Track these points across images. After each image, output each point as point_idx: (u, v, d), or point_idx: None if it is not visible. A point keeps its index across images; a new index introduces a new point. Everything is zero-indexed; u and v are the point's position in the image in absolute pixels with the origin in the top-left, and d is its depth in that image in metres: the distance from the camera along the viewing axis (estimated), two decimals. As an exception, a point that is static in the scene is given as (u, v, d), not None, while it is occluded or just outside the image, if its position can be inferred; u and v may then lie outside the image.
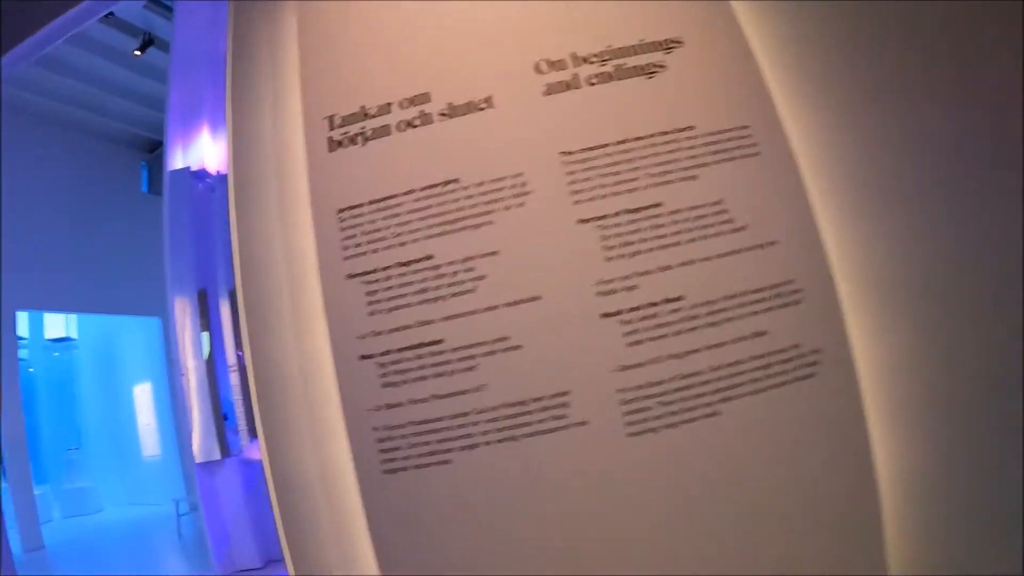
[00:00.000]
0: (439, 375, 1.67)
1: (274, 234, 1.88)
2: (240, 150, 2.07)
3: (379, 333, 1.70)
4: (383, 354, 1.69)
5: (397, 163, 1.84)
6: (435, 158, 1.83)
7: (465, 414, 1.67)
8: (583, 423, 1.67)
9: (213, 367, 5.18)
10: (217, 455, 5.05)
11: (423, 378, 1.67)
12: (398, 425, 1.66)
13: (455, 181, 1.80)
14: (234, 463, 5.18)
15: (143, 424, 10.69)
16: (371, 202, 1.80)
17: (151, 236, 9.27)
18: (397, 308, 1.71)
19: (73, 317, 11.98)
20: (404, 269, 1.73)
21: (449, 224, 1.76)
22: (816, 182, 1.91)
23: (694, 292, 1.78)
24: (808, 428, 1.67)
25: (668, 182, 1.88)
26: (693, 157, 1.91)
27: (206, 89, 5.85)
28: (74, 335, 12.11)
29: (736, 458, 1.65)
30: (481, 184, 1.80)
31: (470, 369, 1.68)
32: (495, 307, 1.71)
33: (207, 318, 5.29)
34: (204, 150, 5.76)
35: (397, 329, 1.70)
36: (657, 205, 1.85)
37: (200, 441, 5.05)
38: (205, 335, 5.25)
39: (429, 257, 1.73)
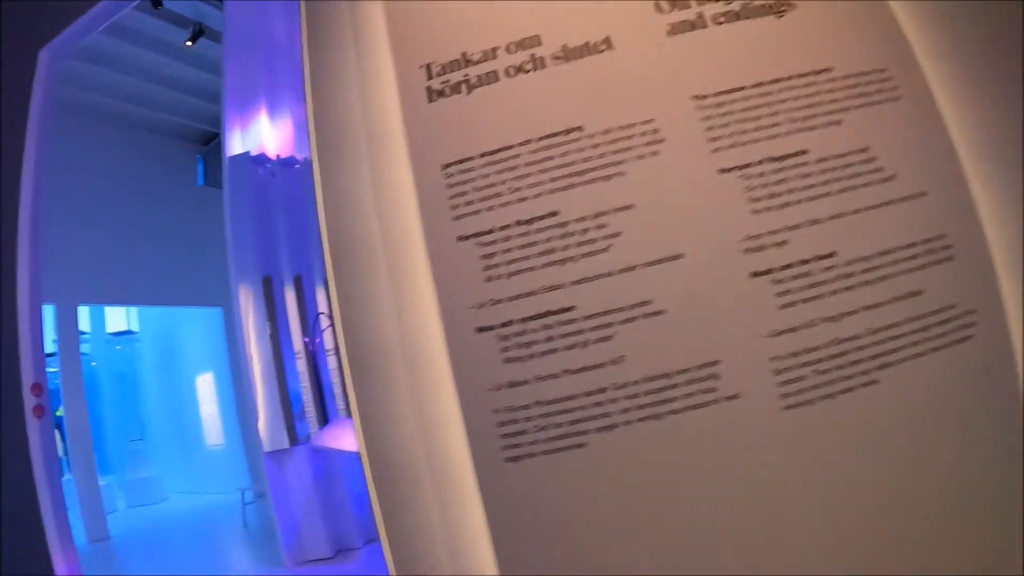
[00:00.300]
0: (571, 347, 1.47)
1: (366, 198, 1.69)
2: (322, 111, 1.89)
3: (498, 301, 1.50)
4: (504, 325, 1.49)
5: (510, 111, 1.64)
6: (553, 105, 1.63)
7: (602, 390, 1.46)
8: (735, 396, 1.46)
9: (279, 355, 5.07)
10: (285, 443, 4.94)
11: (552, 351, 1.47)
12: (523, 406, 1.46)
13: (578, 129, 1.60)
14: (303, 451, 5.08)
15: (206, 414, 10.75)
16: (482, 155, 1.60)
17: (209, 228, 9.18)
18: (519, 272, 1.51)
19: (134, 310, 12.12)
20: (526, 228, 1.53)
21: (576, 176, 1.56)
22: (960, 129, 1.67)
23: (846, 248, 1.56)
24: (965, 396, 1.47)
25: (811, 128, 1.66)
26: (834, 101, 1.69)
27: (261, 73, 5.74)
28: (135, 328, 12.26)
29: (897, 430, 1.45)
30: (608, 132, 1.59)
31: (606, 339, 1.48)
32: (632, 268, 1.50)
33: (272, 306, 5.18)
34: (263, 135, 5.65)
35: (520, 296, 1.50)
36: (802, 152, 1.63)
37: (267, 429, 4.96)
38: (270, 322, 5.16)
39: (554, 213, 1.53)
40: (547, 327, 1.47)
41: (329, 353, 5.33)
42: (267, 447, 4.94)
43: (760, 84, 1.65)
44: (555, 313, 1.47)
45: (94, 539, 7.61)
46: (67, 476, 8.74)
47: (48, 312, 7.89)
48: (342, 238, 1.71)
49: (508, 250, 1.51)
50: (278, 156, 5.66)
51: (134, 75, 8.32)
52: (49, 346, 8.65)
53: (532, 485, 1.44)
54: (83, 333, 11.46)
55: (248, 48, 5.76)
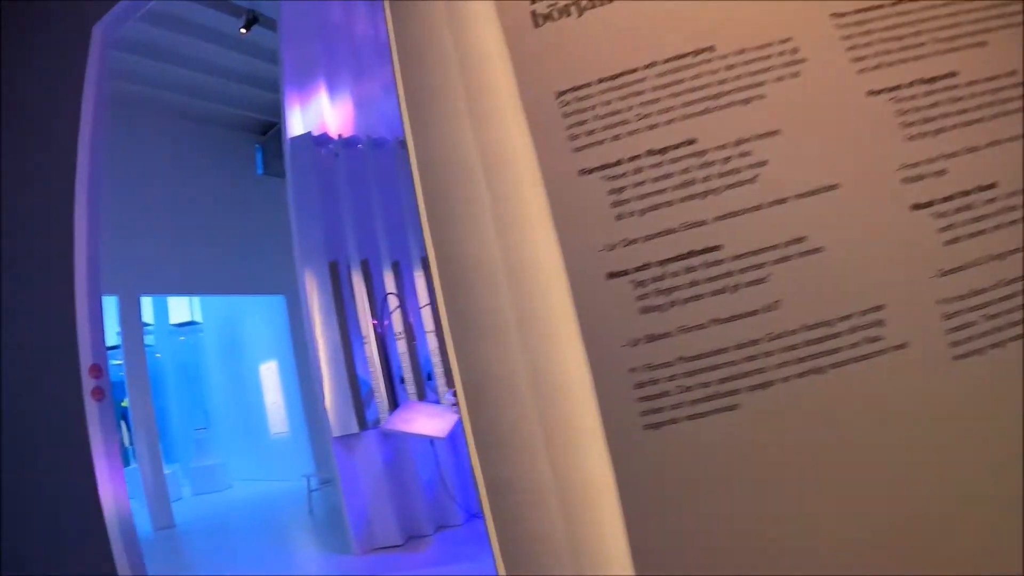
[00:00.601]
0: (718, 292, 1.27)
1: (465, 135, 1.51)
2: (408, 50, 1.70)
3: (632, 242, 1.31)
4: (640, 269, 1.29)
5: (628, 32, 1.44)
6: (677, 24, 1.42)
7: (755, 342, 1.26)
8: (902, 346, 1.24)
9: (347, 339, 4.97)
10: (354, 428, 4.85)
11: (697, 297, 1.27)
12: (664, 363, 1.26)
13: (709, 49, 1.39)
14: (372, 436, 4.98)
15: (270, 402, 10.81)
16: (601, 80, 1.40)
17: (270, 216, 9.47)
18: (655, 208, 1.31)
19: (197, 301, 12.29)
20: (659, 158, 1.33)
21: (711, 100, 1.35)
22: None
23: (1006, 178, 1.32)
24: None
25: (957, 48, 1.42)
26: (977, 21, 1.44)
27: (319, 53, 5.64)
28: (199, 319, 12.44)
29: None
30: (742, 52, 1.38)
31: (759, 281, 1.27)
32: (783, 200, 1.29)
33: (339, 290, 5.08)
34: (323, 115, 5.55)
35: (657, 235, 1.30)
36: (952, 75, 1.40)
37: (336, 414, 4.86)
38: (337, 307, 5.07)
39: (691, 141, 1.33)
40: (690, 269, 1.27)
41: (399, 337, 5.23)
42: (335, 432, 4.85)
43: (899, 1, 1.44)
44: (699, 253, 1.27)
45: (160, 527, 7.68)
46: (132, 465, 8.88)
47: (111, 304, 8.03)
48: (439, 179, 1.53)
49: (640, 183, 1.31)
50: (340, 136, 5.55)
51: (190, 67, 8.35)
52: (113, 338, 8.84)
53: (674, 457, 1.25)
54: (147, 325, 11.68)
55: (305, 28, 5.68)
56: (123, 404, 8.91)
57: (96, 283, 3.16)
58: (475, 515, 5.28)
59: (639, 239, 1.29)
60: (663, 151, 1.32)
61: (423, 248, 5.55)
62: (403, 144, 5.69)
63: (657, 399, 1.25)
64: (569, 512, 1.35)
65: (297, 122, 5.45)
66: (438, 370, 5.43)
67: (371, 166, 5.62)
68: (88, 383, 2.91)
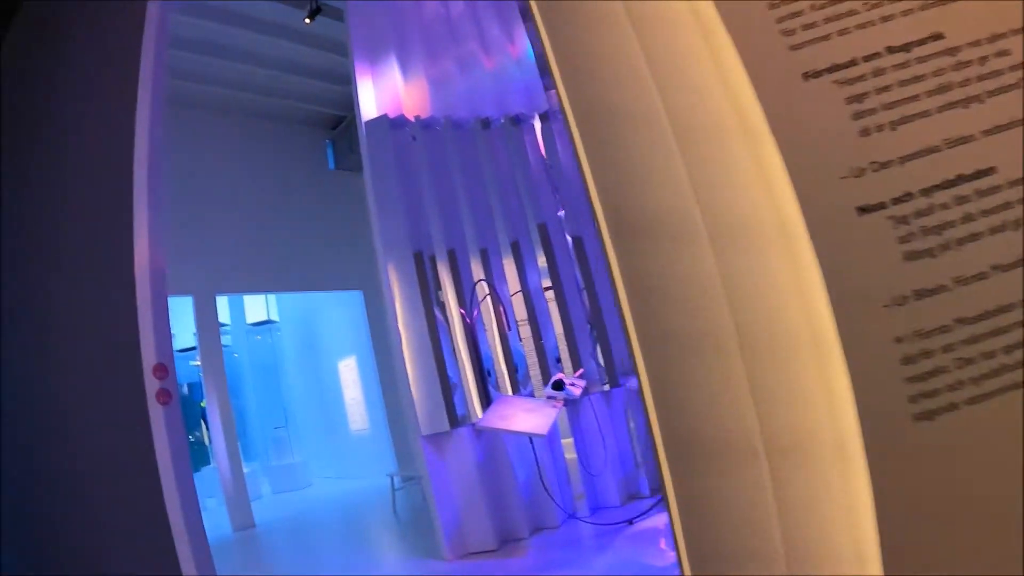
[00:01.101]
0: (997, 229, 0.91)
1: (629, 44, 1.18)
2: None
3: (885, 165, 0.96)
4: (899, 200, 0.94)
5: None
6: None
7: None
8: None
9: (435, 332, 4.71)
10: (445, 426, 4.58)
11: (974, 236, 0.92)
12: (938, 327, 0.91)
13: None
14: (465, 434, 4.70)
15: (349, 399, 10.70)
16: (813, -41, 1.05)
17: (344, 211, 9.64)
18: (907, 120, 0.96)
19: (273, 300, 12.32)
20: (903, 56, 0.97)
21: (953, -16, 0.99)
22: None
23: None
24: None
25: None
26: None
27: (389, 33, 5.38)
28: (275, 317, 12.46)
29: None
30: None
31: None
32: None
33: (424, 281, 4.82)
34: (398, 96, 5.29)
35: (915, 155, 0.95)
36: None
37: (424, 411, 4.61)
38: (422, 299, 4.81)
39: (938, 36, 0.98)
40: (961, 199, 0.91)
41: (490, 328, 5.00)
42: (424, 430, 4.59)
43: None
44: (969, 178, 0.92)
45: (239, 527, 7.62)
46: (212, 465, 8.83)
47: (187, 304, 8.05)
48: (614, 128, 1.20)
49: (885, 88, 0.96)
50: (417, 117, 5.28)
51: (257, 63, 8.28)
52: (190, 339, 8.88)
53: (952, 454, 0.90)
54: (223, 325, 11.76)
55: (372, 8, 5.43)
56: (202, 404, 8.89)
57: (160, 275, 2.89)
58: (571, 516, 4.97)
59: (893, 160, 0.94)
60: (906, 47, 0.97)
61: (512, 234, 5.32)
62: (514, 122, 5.50)
63: (930, 378, 0.89)
64: (789, 513, 1.02)
65: (370, 105, 5.21)
66: (531, 359, 5.14)
67: (451, 148, 5.34)
68: (152, 385, 2.65)
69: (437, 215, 5.09)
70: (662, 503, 4.59)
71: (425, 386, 4.61)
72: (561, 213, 5.36)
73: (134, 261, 2.74)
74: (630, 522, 4.56)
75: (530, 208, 5.44)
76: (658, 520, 4.50)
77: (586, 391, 4.83)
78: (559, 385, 4.44)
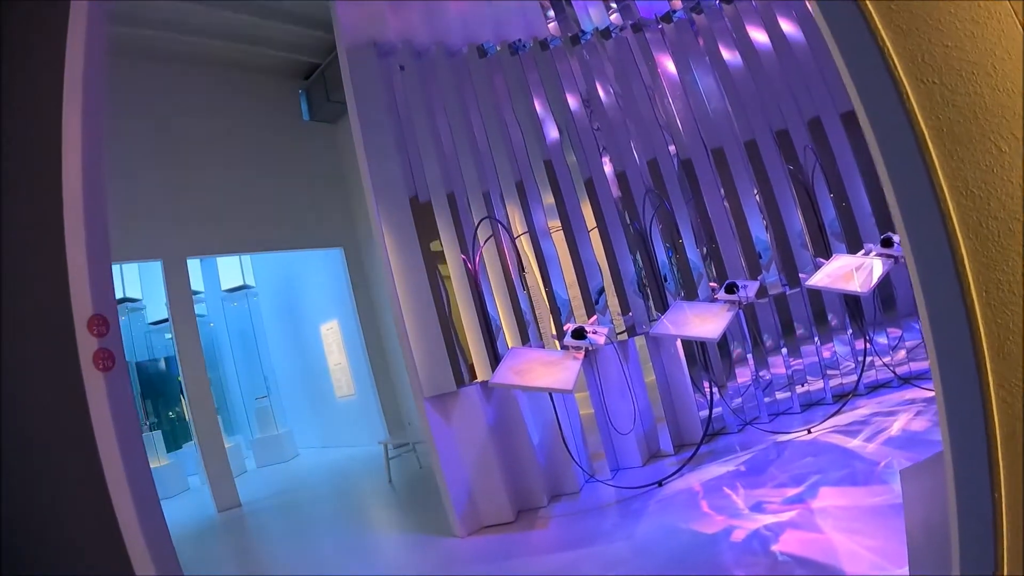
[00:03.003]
0: None
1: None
2: None
3: None
4: None
5: None
6: None
7: None
8: None
9: (437, 285, 4.16)
10: (451, 385, 4.06)
11: None
12: None
13: None
14: (475, 394, 4.18)
15: (333, 364, 10.18)
16: None
17: (320, 165, 9.13)
18: None
19: (248, 264, 11.70)
20: None
21: None
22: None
23: None
24: None
25: None
26: None
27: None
28: (251, 282, 11.84)
29: None
30: None
31: None
32: None
33: (424, 228, 4.26)
34: (383, 19, 4.65)
35: None
36: None
37: (427, 371, 4.09)
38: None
39: None
40: None
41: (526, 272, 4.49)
42: (427, 391, 4.07)
43: None
44: None
45: (224, 507, 7.13)
46: (191, 443, 8.30)
47: (156, 269, 7.51)
48: None
49: None
50: (406, 42, 4.65)
51: (221, 7, 7.52)
52: (162, 311, 8.21)
53: None
54: (196, 293, 11.14)
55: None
56: (178, 379, 8.31)
57: (97, 195, 2.21)
58: (590, 479, 4.51)
59: None
60: None
61: (516, 173, 4.79)
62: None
63: None
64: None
65: (353, 31, 4.54)
66: (541, 309, 4.63)
67: (444, 80, 4.73)
68: (88, 344, 1.97)
69: (435, 156, 4.50)
70: (692, 461, 4.23)
71: (426, 344, 4.08)
72: (672, 148, 5.03)
73: (61, 177, 2.11)
74: (660, 483, 4.11)
75: (536, 145, 4.88)
76: (691, 480, 4.08)
77: (610, 338, 4.34)
78: (580, 333, 3.90)
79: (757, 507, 3.34)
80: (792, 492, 3.41)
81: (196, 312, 7.82)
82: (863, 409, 4.55)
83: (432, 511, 4.70)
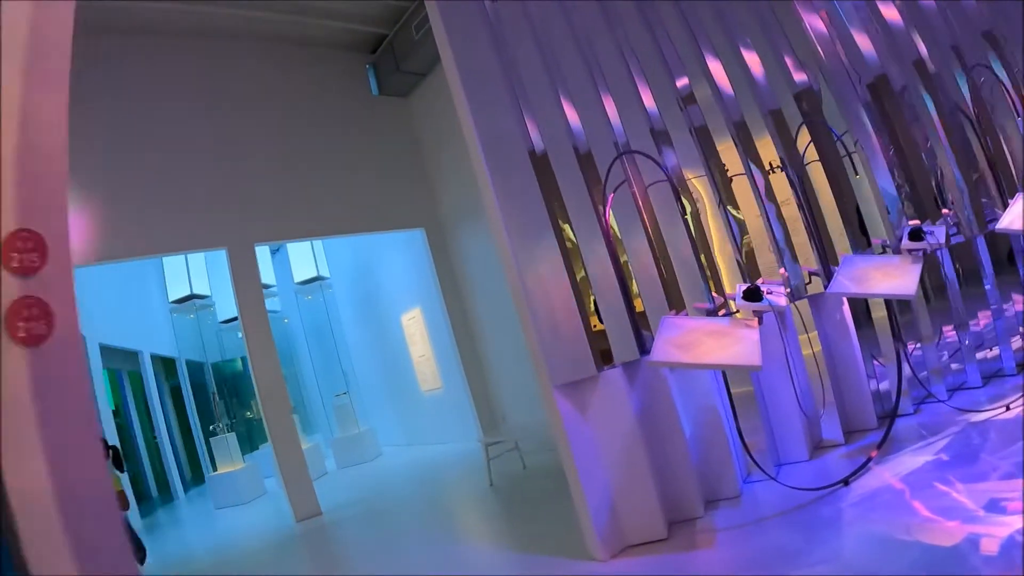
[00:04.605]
0: None
1: None
2: None
3: None
4: None
5: None
6: None
7: None
8: None
9: (570, 253, 3.34)
10: (590, 370, 3.25)
11: None
12: None
13: None
14: (618, 379, 3.35)
15: (417, 356, 9.50)
16: None
17: (393, 141, 8.42)
18: None
19: (322, 253, 11.17)
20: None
21: None
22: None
23: None
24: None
25: None
26: None
27: None
28: (325, 273, 11.31)
29: None
30: None
31: None
32: None
33: (548, 187, 3.46)
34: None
35: None
36: None
37: (560, 353, 3.27)
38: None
39: None
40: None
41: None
42: (558, 378, 3.25)
43: None
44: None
45: (303, 516, 6.52)
46: (268, 443, 7.82)
47: (221, 258, 7.04)
48: None
49: None
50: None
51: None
52: (232, 308, 7.69)
53: None
54: (268, 287, 10.70)
55: None
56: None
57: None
58: (747, 480, 3.66)
59: None
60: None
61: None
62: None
63: None
64: None
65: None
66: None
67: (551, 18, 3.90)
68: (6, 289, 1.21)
69: (549, 103, 3.68)
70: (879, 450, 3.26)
71: (554, 321, 3.27)
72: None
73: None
74: (846, 482, 3.24)
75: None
76: (883, 475, 3.23)
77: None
78: (754, 294, 3.04)
79: (994, 506, 2.52)
80: None
81: (269, 308, 7.29)
82: None
83: (554, 523, 3.92)
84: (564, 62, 3.85)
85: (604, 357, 3.32)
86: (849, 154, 3.91)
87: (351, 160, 8.01)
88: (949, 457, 3.20)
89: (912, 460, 3.30)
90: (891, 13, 4.17)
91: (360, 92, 8.52)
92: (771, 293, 3.13)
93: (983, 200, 4.05)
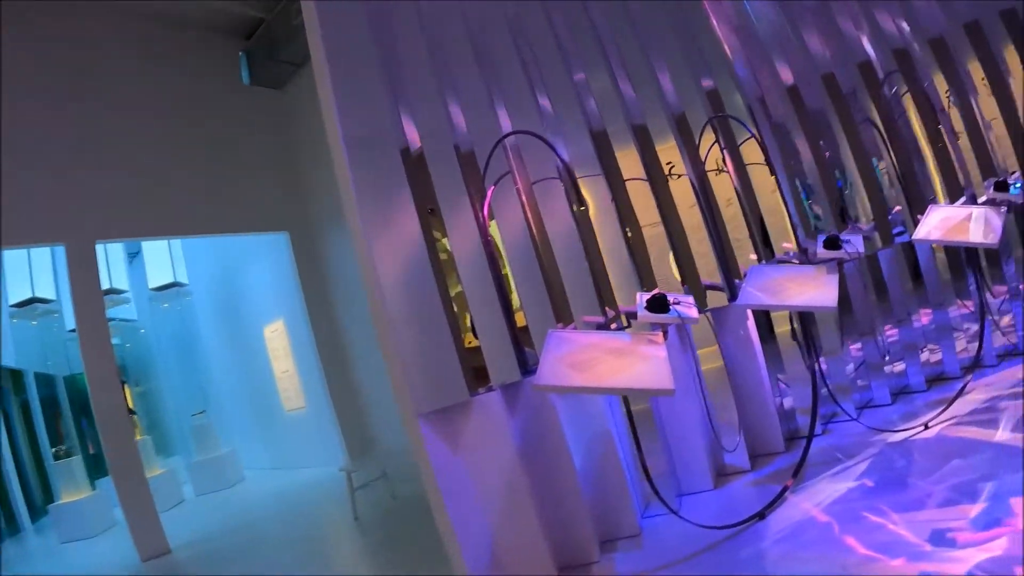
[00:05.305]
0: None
1: None
2: None
3: None
4: None
5: None
6: None
7: None
8: None
9: (438, 260, 2.82)
10: (462, 394, 2.73)
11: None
12: None
13: None
14: (494, 404, 2.86)
15: (280, 372, 8.77)
16: None
17: (263, 134, 7.76)
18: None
19: (180, 257, 10.22)
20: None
21: None
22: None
23: None
24: None
25: None
26: None
27: None
28: (184, 279, 10.40)
29: None
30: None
31: None
32: None
33: (423, 190, 2.93)
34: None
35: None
36: None
37: (427, 376, 2.74)
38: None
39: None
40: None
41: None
42: (424, 405, 2.72)
43: None
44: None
45: (149, 556, 5.73)
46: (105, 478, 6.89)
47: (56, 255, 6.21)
48: None
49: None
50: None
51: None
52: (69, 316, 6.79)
53: None
54: (119, 292, 9.69)
55: None
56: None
57: None
58: (647, 515, 3.31)
59: None
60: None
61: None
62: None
63: None
64: None
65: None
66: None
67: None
68: None
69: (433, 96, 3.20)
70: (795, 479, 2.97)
71: (420, 338, 2.75)
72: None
73: None
74: (761, 516, 2.88)
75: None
76: (802, 505, 2.89)
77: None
78: (660, 304, 2.63)
79: (940, 539, 2.20)
80: (973, 510, 2.31)
81: (125, 316, 6.39)
82: (973, 394, 3.53)
83: (427, 566, 3.39)
84: (454, 57, 3.38)
85: (479, 378, 2.82)
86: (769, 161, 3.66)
87: (215, 154, 7.29)
88: (874, 483, 2.91)
89: (832, 487, 2.98)
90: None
91: (231, 80, 7.80)
92: (678, 303, 2.74)
93: (890, 213, 3.91)
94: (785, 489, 3.01)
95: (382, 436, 7.21)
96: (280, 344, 8.61)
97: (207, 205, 7.10)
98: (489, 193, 3.01)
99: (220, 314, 9.86)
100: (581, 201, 3.11)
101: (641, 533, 3.15)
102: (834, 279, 3.21)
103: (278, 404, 8.87)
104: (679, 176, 3.73)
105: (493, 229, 3.09)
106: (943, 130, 3.88)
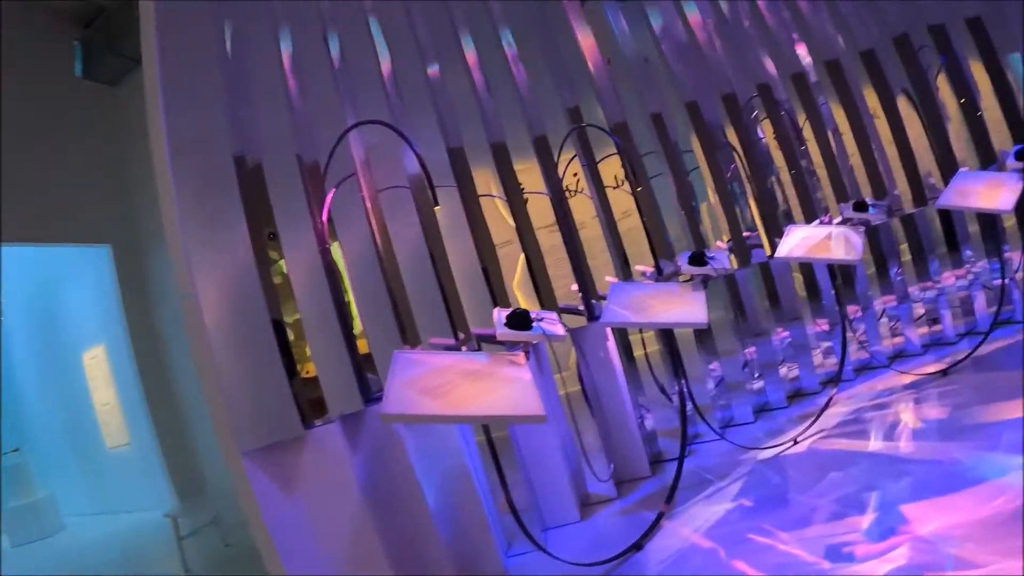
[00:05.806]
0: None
1: None
2: None
3: None
4: None
5: None
6: None
7: None
8: None
9: (270, 282, 2.44)
10: (295, 429, 2.33)
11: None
12: None
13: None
14: (332, 438, 2.46)
15: (101, 404, 7.87)
16: None
17: (92, 135, 6.99)
18: None
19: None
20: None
21: None
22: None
23: None
24: None
25: None
26: None
27: None
28: (-8, 295, 9.27)
29: None
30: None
31: None
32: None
33: (257, 204, 2.54)
34: None
35: None
36: None
37: (252, 408, 2.32)
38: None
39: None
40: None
41: None
42: (247, 442, 2.30)
43: None
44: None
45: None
46: None
47: None
48: None
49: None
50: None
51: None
52: None
53: None
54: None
55: None
56: None
57: None
58: (511, 554, 3.07)
59: None
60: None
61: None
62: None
63: None
64: None
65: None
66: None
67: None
68: None
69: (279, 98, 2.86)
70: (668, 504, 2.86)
71: (254, 369, 2.35)
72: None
73: None
74: (639, 546, 2.69)
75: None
76: (680, 532, 2.77)
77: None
78: (522, 320, 2.38)
79: (836, 554, 2.13)
80: (864, 521, 2.30)
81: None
82: (836, 407, 3.67)
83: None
84: (308, 57, 3.08)
85: (315, 409, 2.43)
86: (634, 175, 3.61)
87: (33, 151, 6.47)
88: (752, 502, 2.84)
89: (708, 510, 2.88)
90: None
91: (63, 72, 7.02)
92: (541, 319, 2.49)
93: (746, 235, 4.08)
94: (661, 516, 2.85)
95: (213, 476, 6.58)
96: (100, 372, 7.73)
97: (20, 210, 6.24)
98: (329, 196, 2.66)
99: (35, 337, 8.81)
100: (435, 200, 2.81)
101: (506, 574, 2.87)
102: (701, 296, 3.15)
103: (100, 440, 8.00)
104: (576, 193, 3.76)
105: (335, 249, 2.77)
106: (799, 155, 4.14)
